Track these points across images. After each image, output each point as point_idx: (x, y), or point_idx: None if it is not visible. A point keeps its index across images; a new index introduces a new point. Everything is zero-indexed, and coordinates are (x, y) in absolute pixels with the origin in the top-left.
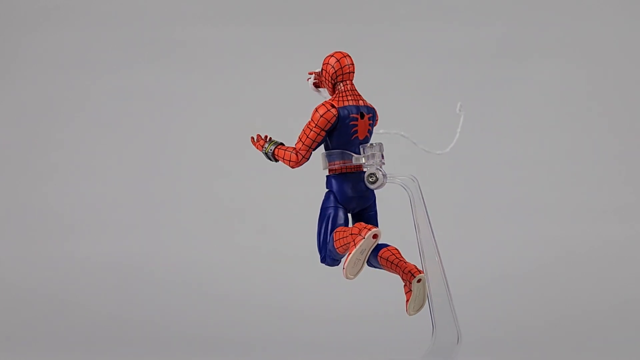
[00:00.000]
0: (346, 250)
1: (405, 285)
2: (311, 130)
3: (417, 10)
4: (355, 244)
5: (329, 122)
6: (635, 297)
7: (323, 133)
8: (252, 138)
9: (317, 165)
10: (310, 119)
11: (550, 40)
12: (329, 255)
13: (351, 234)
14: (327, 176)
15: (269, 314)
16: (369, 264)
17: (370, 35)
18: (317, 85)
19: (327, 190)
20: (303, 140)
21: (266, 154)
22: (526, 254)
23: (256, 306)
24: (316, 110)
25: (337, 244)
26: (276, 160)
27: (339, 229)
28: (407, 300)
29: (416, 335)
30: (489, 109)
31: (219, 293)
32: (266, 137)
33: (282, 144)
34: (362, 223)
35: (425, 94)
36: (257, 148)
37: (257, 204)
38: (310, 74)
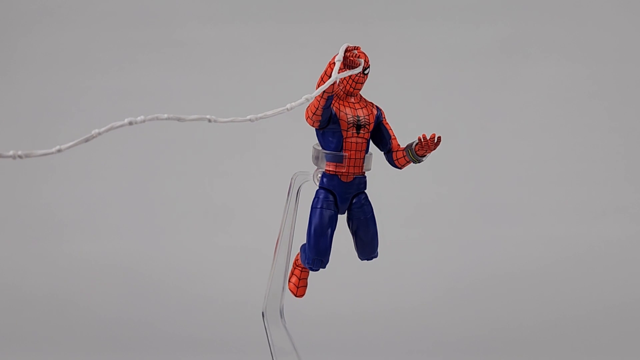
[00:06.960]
0: None
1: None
2: None
3: (418, 10)
4: None
5: None
6: (636, 297)
7: None
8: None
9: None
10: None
11: (553, 40)
12: None
13: None
14: (365, 177)
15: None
16: None
17: (371, 35)
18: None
19: (364, 191)
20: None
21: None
22: (526, 253)
23: (252, 307)
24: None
25: None
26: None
27: None
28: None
29: (414, 336)
30: (491, 108)
31: (216, 294)
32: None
33: None
34: None
35: (428, 93)
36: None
37: (255, 204)
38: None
